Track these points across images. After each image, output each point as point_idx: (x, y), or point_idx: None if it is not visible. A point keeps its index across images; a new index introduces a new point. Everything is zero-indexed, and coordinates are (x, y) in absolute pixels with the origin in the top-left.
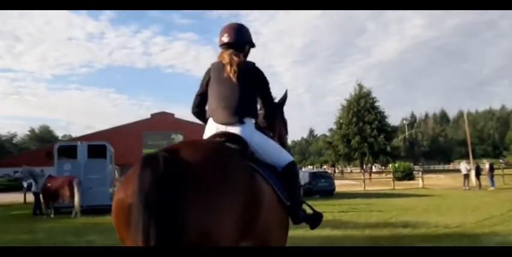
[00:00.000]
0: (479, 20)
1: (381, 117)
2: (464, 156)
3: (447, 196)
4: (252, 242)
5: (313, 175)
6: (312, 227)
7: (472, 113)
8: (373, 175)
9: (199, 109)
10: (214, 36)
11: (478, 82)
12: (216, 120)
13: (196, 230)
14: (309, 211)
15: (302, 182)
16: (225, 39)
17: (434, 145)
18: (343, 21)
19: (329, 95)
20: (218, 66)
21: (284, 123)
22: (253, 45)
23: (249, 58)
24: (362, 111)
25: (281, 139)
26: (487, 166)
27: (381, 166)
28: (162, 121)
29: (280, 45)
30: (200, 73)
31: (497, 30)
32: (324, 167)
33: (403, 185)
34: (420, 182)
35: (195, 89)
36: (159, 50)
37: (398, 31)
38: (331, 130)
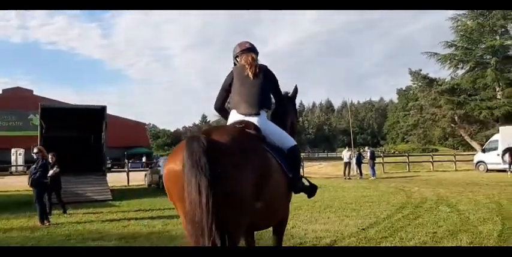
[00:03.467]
0: (362, 19)
1: None
2: (347, 144)
3: (326, 187)
4: (264, 203)
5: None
6: (309, 196)
7: (355, 104)
8: None
9: (222, 106)
10: (100, 14)
11: (360, 75)
12: (238, 112)
13: (228, 185)
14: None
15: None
16: (248, 45)
17: (319, 132)
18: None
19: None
20: (240, 69)
21: (295, 112)
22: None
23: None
24: None
25: (293, 126)
26: (368, 153)
27: None
28: (17, 98)
29: (175, 27)
30: (86, 51)
31: (378, 29)
32: None
33: None
34: (301, 170)
35: (81, 68)
36: (37, 24)
37: (290, 23)
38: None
